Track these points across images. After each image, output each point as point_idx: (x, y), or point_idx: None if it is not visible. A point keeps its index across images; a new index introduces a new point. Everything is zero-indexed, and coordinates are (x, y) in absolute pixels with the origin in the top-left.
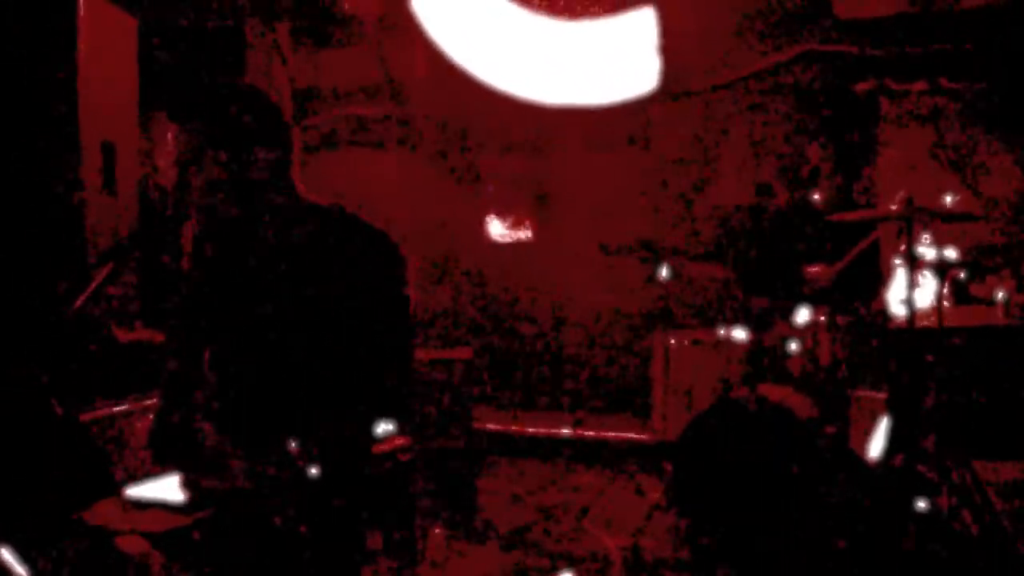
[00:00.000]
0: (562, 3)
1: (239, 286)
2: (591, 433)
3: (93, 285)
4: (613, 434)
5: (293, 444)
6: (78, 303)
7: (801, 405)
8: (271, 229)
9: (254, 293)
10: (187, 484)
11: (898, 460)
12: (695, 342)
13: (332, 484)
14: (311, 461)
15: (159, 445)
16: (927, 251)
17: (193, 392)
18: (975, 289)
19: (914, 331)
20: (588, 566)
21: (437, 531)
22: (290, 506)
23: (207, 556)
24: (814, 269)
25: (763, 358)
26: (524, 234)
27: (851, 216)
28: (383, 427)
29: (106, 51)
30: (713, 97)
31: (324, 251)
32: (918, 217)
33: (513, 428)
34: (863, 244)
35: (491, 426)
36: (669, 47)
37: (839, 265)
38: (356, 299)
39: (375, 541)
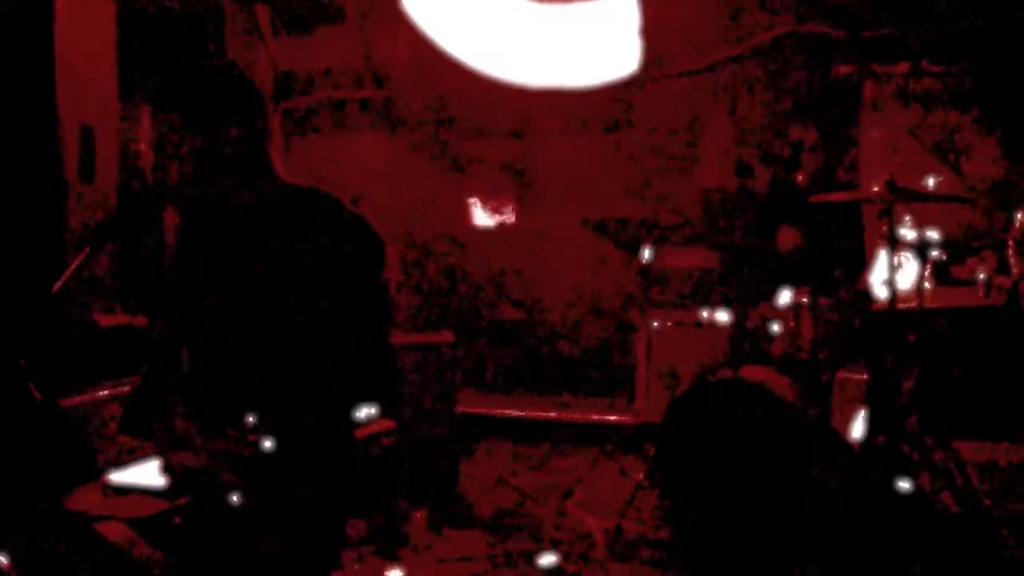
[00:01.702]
0: None
1: (216, 267)
2: (575, 415)
3: (70, 269)
4: (596, 416)
5: (250, 419)
6: (55, 288)
7: (783, 386)
8: (248, 211)
9: (231, 274)
10: (163, 466)
11: (880, 441)
12: (678, 324)
13: (304, 465)
14: (266, 435)
15: (131, 421)
16: (909, 232)
17: (172, 374)
18: (956, 270)
19: (896, 312)
20: (572, 547)
21: (421, 514)
22: (248, 480)
23: (188, 541)
24: (787, 235)
25: (745, 340)
26: (507, 217)
27: (833, 197)
28: (366, 411)
29: (84, 34)
30: (695, 79)
31: (302, 232)
32: (900, 198)
33: (497, 411)
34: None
35: (475, 409)
36: (651, 29)
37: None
38: (334, 281)
39: (359, 524)
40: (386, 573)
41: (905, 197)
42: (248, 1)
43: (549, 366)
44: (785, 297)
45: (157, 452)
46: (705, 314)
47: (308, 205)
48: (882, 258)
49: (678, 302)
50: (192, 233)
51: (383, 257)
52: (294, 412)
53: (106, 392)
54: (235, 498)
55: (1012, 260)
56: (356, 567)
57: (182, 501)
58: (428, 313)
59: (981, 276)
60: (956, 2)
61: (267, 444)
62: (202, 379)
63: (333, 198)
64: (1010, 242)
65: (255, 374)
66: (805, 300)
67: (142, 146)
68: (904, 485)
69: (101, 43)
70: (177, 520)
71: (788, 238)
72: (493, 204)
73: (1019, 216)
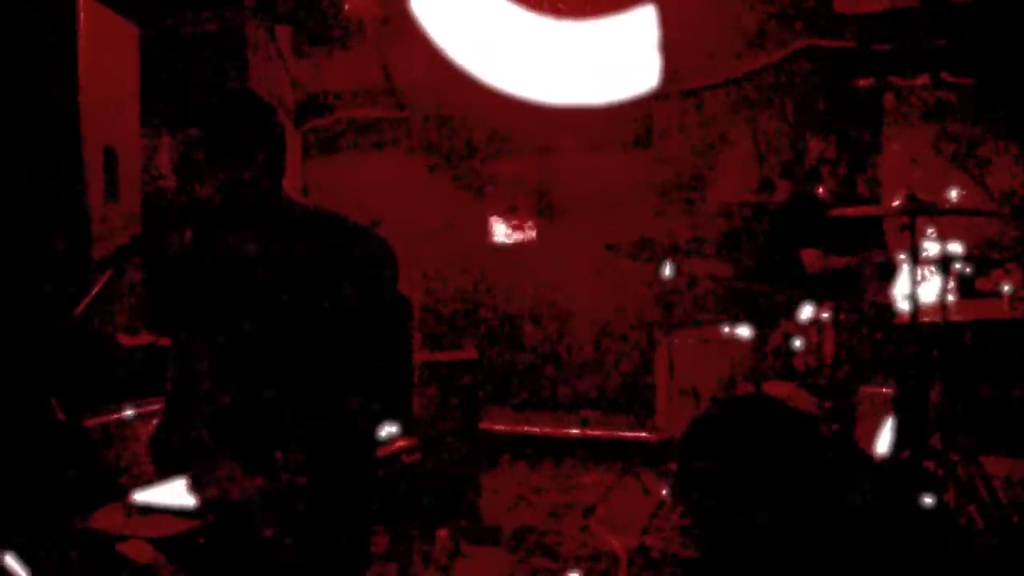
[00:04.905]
0: (563, 2)
1: (231, 291)
2: (597, 432)
3: (94, 290)
4: (619, 433)
5: (279, 455)
6: (79, 308)
7: (806, 402)
8: (261, 234)
9: (246, 298)
10: (189, 491)
11: (904, 456)
12: (700, 340)
13: (326, 490)
14: (297, 471)
15: (160, 455)
16: (932, 246)
17: (192, 400)
18: (981, 283)
19: (919, 326)
20: (594, 566)
21: (443, 532)
22: (281, 517)
23: (211, 561)
24: (809, 255)
25: (767, 355)
26: (527, 235)
27: (853, 211)
28: (388, 429)
29: (107, 58)
30: (714, 94)
31: (313, 255)
32: (921, 212)
33: (519, 428)
34: (869, 254)
35: (497, 427)
36: (670, 45)
37: (837, 261)
38: (348, 301)
39: (380, 542)
40: None
41: (926, 210)
42: (270, 23)
43: (571, 383)
44: (807, 312)
45: (189, 482)
46: (727, 330)
47: (319, 226)
48: (904, 272)
49: (699, 318)
50: (206, 256)
51: (396, 274)
52: (318, 437)
53: (130, 412)
54: (264, 530)
55: None
56: None
57: (207, 521)
58: (450, 331)
59: (1006, 289)
60: (976, 13)
61: (299, 478)
62: (222, 403)
63: (344, 218)
64: None
65: (276, 398)
66: (827, 315)
67: (164, 169)
68: (929, 500)
69: (124, 67)
70: (201, 540)
71: (809, 253)
72: (513, 221)
73: None
